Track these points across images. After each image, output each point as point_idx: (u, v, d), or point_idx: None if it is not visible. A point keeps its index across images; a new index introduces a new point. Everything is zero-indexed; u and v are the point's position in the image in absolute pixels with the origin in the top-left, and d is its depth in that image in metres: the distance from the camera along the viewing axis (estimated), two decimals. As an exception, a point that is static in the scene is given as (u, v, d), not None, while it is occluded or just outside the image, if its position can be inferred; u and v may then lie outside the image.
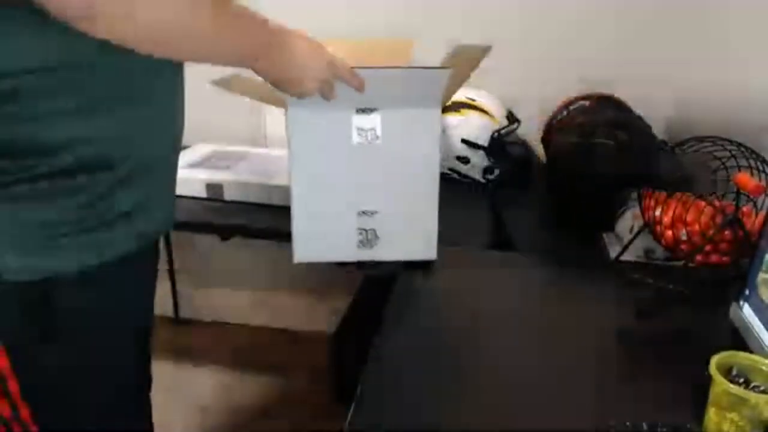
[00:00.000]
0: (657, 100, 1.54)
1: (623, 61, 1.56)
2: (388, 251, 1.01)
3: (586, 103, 1.35)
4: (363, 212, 0.99)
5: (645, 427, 0.68)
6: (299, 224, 0.99)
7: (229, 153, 1.56)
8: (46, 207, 0.65)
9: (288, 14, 0.87)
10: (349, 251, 1.01)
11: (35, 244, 0.66)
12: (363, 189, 0.98)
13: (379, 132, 0.95)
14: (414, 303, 0.73)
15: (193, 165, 1.45)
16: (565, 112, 1.38)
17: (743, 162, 1.03)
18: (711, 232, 0.97)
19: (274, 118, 1.67)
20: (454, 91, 1.04)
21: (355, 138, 0.95)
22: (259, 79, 0.81)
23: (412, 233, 1.01)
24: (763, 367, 0.67)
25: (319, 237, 1.00)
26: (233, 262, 2.03)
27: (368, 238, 1.00)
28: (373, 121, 0.94)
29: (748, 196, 0.95)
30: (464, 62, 0.98)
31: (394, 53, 0.98)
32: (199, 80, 1.78)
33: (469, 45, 0.98)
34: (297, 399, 1.77)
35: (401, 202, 0.99)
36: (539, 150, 1.50)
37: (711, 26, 1.51)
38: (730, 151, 1.03)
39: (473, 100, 1.46)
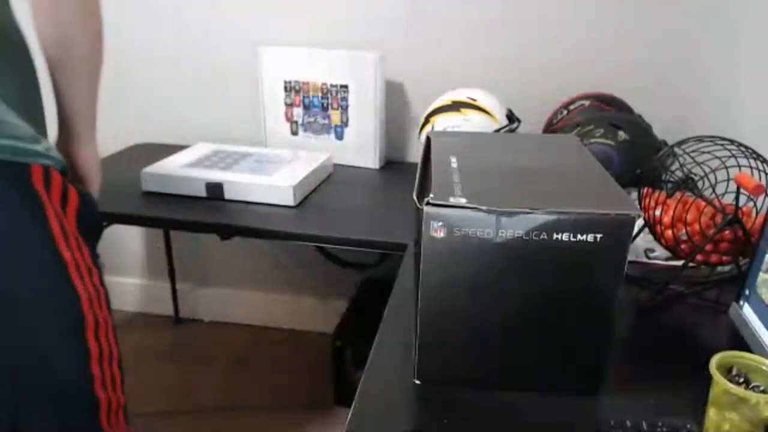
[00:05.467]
0: (657, 100, 1.54)
1: (623, 61, 1.56)
2: None
3: (586, 103, 1.35)
4: None
5: (645, 427, 0.68)
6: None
7: (229, 153, 1.55)
8: None
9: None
10: None
11: None
12: None
13: None
14: (414, 303, 0.73)
15: (193, 165, 1.45)
16: (565, 112, 1.38)
17: (743, 162, 1.03)
18: (711, 232, 0.97)
19: (273, 118, 1.68)
20: None
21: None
22: None
23: None
24: (763, 367, 0.67)
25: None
26: (233, 262, 2.03)
27: None
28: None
29: (748, 196, 0.94)
30: None
31: None
32: (199, 79, 1.78)
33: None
34: (297, 399, 1.78)
35: None
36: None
37: (711, 25, 1.51)
38: (730, 150, 1.03)
39: (474, 99, 1.46)
